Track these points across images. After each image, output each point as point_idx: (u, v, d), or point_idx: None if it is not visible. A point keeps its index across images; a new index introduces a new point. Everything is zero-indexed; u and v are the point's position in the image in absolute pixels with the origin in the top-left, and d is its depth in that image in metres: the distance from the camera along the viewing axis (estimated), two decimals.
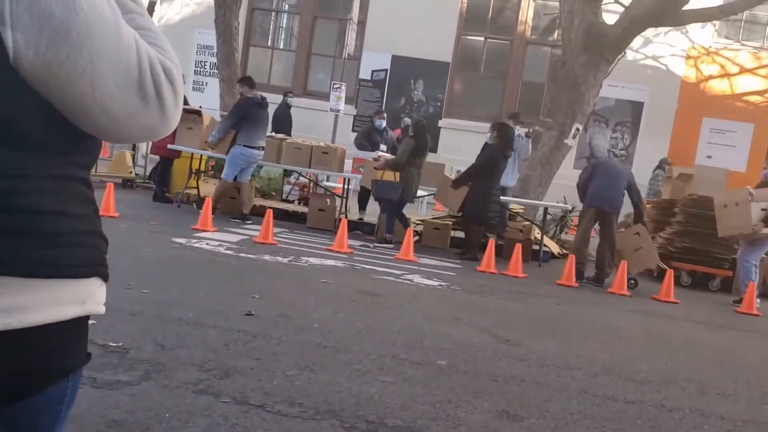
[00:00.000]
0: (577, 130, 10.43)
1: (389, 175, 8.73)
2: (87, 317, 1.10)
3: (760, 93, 13.93)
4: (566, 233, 11.21)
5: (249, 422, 2.93)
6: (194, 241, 7.22)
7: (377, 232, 9.42)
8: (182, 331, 4.06)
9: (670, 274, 8.00)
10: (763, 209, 7.91)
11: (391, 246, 8.56)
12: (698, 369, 4.95)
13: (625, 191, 8.27)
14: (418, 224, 9.73)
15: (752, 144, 13.69)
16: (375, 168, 8.97)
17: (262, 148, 9.04)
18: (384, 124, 10.82)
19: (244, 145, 8.79)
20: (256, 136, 8.86)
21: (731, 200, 8.24)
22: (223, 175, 9.04)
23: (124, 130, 1.05)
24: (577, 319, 6.20)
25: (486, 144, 8.88)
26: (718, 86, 14.03)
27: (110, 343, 3.65)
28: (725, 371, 5.03)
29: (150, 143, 10.38)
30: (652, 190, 12.24)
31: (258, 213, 8.98)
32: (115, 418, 2.81)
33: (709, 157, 13.52)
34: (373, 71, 14.90)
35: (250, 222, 8.69)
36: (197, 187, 9.72)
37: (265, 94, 9.22)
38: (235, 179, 8.90)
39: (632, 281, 8.26)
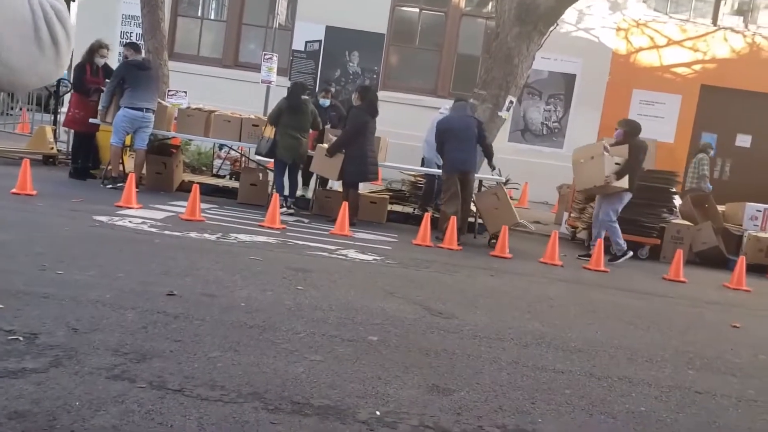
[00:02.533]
0: (511, 102, 10.42)
1: (268, 131, 8.92)
2: None
3: (687, 65, 14.24)
4: None
5: (165, 408, 2.78)
6: (117, 218, 6.92)
7: (311, 207, 9.29)
8: (98, 313, 3.85)
9: (599, 244, 8.14)
10: (617, 163, 8.28)
11: (289, 211, 8.65)
12: (627, 336, 5.02)
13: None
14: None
15: (680, 115, 14.03)
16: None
17: (147, 109, 8.93)
18: (329, 102, 10.42)
19: (125, 107, 8.76)
20: (137, 97, 8.80)
21: (587, 155, 8.56)
22: (111, 141, 8.92)
23: (20, 81, 0.96)
24: (510, 290, 6.22)
25: (352, 108, 8.98)
26: (648, 58, 14.27)
27: (17, 329, 3.42)
28: (653, 338, 5.12)
29: (63, 117, 10.01)
30: (695, 174, 11.58)
31: (186, 189, 8.68)
32: (18, 409, 2.61)
33: None
34: (306, 42, 14.56)
35: (121, 185, 8.24)
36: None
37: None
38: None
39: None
